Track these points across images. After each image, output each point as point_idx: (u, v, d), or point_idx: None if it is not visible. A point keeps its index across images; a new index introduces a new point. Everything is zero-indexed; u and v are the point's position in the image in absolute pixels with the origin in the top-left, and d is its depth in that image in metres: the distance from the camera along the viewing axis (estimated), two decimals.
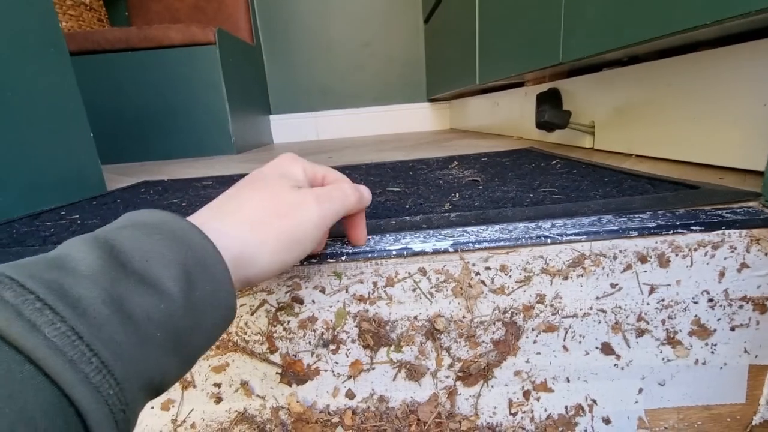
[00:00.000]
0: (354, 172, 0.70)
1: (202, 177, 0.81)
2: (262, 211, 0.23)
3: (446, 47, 1.43)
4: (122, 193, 0.68)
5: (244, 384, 0.33)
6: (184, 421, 0.34)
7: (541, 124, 0.78)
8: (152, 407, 0.33)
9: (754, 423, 0.34)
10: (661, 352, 0.33)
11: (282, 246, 0.23)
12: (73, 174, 0.65)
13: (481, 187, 0.50)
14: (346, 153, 1.13)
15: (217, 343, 0.32)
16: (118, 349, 0.14)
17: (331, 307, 0.32)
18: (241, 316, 0.32)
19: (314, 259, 0.31)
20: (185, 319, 0.17)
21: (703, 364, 0.33)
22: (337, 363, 0.33)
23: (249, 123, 1.56)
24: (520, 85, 1.07)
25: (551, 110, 0.75)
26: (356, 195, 0.27)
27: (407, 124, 1.93)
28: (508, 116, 1.18)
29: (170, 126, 1.34)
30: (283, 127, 1.91)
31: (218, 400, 0.33)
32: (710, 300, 0.32)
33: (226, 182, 0.71)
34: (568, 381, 0.33)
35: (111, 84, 1.29)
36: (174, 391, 0.33)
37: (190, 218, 0.22)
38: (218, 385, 0.33)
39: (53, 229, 0.45)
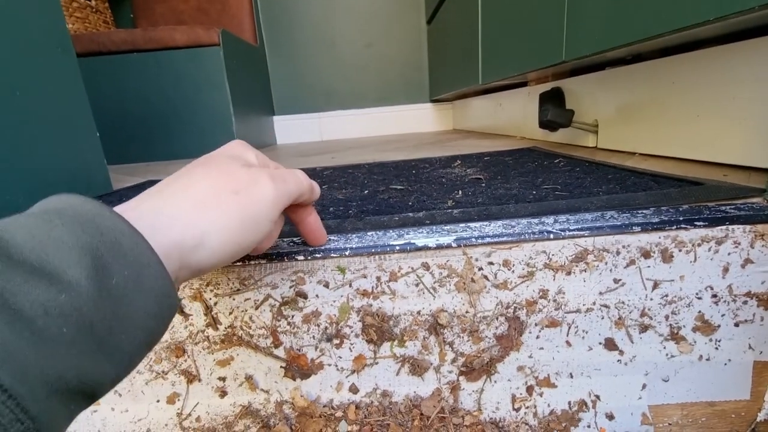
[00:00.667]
0: (357, 171, 0.70)
1: None
2: (212, 189, 0.21)
3: (449, 48, 1.43)
4: (128, 192, 0.68)
5: (249, 378, 0.33)
6: (190, 414, 0.34)
7: (544, 124, 0.78)
8: (158, 401, 0.34)
9: (758, 419, 0.34)
10: (664, 347, 0.33)
11: (235, 225, 0.21)
12: (80, 173, 0.66)
13: (483, 184, 0.50)
14: (349, 153, 1.13)
15: (222, 337, 0.32)
16: (2, 354, 0.12)
17: (334, 301, 0.32)
18: (246, 311, 0.32)
19: (318, 254, 0.31)
20: (101, 309, 0.15)
21: (707, 360, 0.33)
22: (340, 357, 0.33)
23: (252, 124, 1.57)
24: (523, 85, 1.07)
25: (554, 109, 0.75)
26: (307, 182, 0.27)
27: (410, 125, 1.93)
28: (511, 116, 1.18)
29: (174, 126, 1.35)
30: (287, 127, 1.91)
31: (223, 394, 0.34)
32: (714, 296, 0.32)
33: None
34: (572, 376, 0.33)
35: (116, 85, 1.30)
36: (179, 385, 0.33)
37: (125, 203, 0.20)
38: (223, 379, 0.33)
39: None
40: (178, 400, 0.34)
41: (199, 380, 0.33)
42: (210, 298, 0.32)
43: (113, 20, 1.70)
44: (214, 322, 0.32)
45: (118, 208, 0.19)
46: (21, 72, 0.56)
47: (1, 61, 0.53)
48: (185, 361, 0.33)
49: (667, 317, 0.32)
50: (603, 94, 0.71)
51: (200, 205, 0.20)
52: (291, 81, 1.87)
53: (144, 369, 0.33)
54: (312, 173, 0.73)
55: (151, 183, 0.76)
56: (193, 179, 0.22)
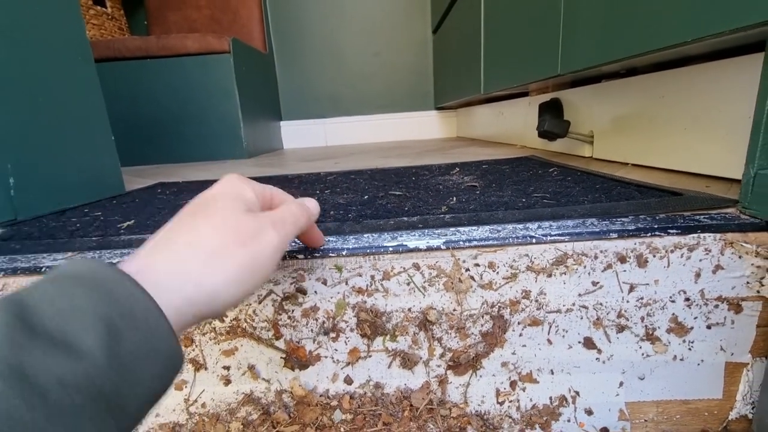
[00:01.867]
0: (359, 177, 0.73)
1: (215, 179, 0.84)
2: (220, 240, 0.22)
3: (453, 57, 1.46)
4: (140, 193, 0.72)
5: (251, 368, 0.36)
6: (196, 400, 0.36)
7: (542, 133, 0.81)
8: None
9: (730, 418, 0.36)
10: (640, 347, 0.35)
11: (244, 276, 0.22)
12: (96, 175, 0.69)
13: (478, 192, 0.52)
14: (352, 159, 1.16)
15: (227, 328, 0.35)
16: (16, 427, 0.13)
17: (332, 297, 0.35)
18: (250, 305, 0.35)
19: (317, 253, 0.34)
20: (111, 376, 0.16)
21: (681, 360, 0.35)
22: (336, 350, 0.35)
23: (260, 129, 1.61)
24: (525, 95, 1.10)
25: (551, 120, 0.78)
26: (305, 214, 0.28)
27: (415, 132, 1.97)
28: (512, 125, 1.21)
29: (184, 131, 1.40)
30: (293, 132, 1.95)
31: (227, 382, 0.36)
32: (687, 299, 0.34)
33: None
34: (552, 373, 0.36)
35: (129, 90, 1.35)
36: (187, 373, 0.36)
37: (131, 258, 0.21)
38: (227, 368, 0.36)
39: (78, 225, 0.49)
40: (186, 386, 0.36)
41: (206, 368, 0.36)
42: None
43: (128, 27, 1.75)
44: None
45: (131, 263, 0.20)
46: (44, 78, 0.60)
47: (26, 68, 0.57)
48: (193, 350, 0.36)
49: (642, 318, 0.34)
50: (598, 105, 0.74)
51: (210, 261, 0.21)
52: (298, 88, 1.91)
53: None
54: (316, 178, 0.76)
55: (162, 186, 0.79)
56: (201, 233, 0.22)
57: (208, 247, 0.21)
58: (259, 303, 0.35)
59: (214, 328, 0.35)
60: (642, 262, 0.33)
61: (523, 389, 0.36)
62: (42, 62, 0.59)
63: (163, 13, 1.68)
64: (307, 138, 1.96)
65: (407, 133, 1.96)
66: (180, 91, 1.36)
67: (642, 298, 0.34)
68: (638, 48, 0.47)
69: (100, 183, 0.70)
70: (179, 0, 1.67)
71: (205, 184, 0.77)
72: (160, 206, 0.58)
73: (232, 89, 1.36)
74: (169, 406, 0.37)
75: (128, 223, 0.48)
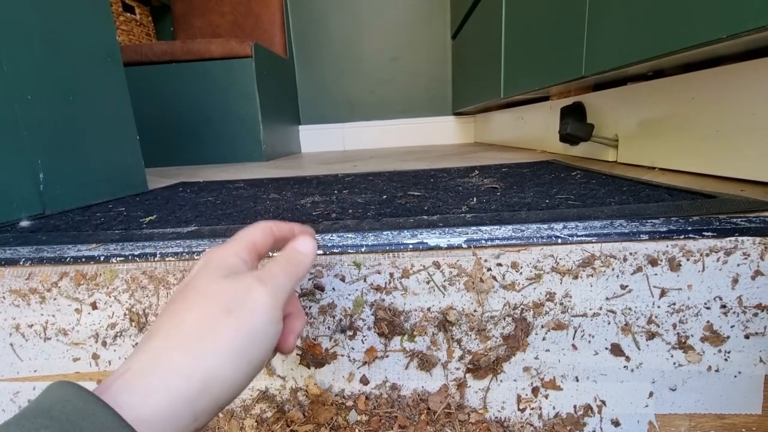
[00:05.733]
0: (377, 179, 0.73)
1: (234, 180, 0.86)
2: (201, 316, 0.19)
3: (472, 62, 1.46)
4: (162, 191, 0.73)
5: (267, 364, 0.35)
6: None
7: (564, 137, 0.79)
8: None
9: None
10: (672, 356, 0.33)
11: (241, 345, 0.19)
12: (120, 172, 0.71)
13: (498, 193, 0.51)
14: (370, 162, 1.16)
15: None
16: None
17: (349, 295, 0.34)
18: None
19: (336, 249, 0.33)
20: None
21: (716, 371, 0.33)
22: (353, 349, 0.35)
23: (279, 132, 1.63)
24: (545, 99, 1.08)
25: (574, 123, 0.76)
26: (302, 262, 0.24)
27: (432, 137, 1.96)
28: (532, 130, 1.19)
29: (205, 133, 1.42)
30: (311, 137, 1.97)
31: None
32: (723, 306, 0.32)
33: (256, 185, 0.75)
34: (577, 380, 0.34)
35: (155, 93, 1.38)
36: None
37: (116, 372, 0.18)
38: None
39: (103, 219, 0.50)
40: None
41: None
42: None
43: (155, 33, 1.81)
44: None
45: (112, 381, 0.18)
46: (76, 79, 0.62)
47: (61, 69, 0.59)
48: None
49: (674, 325, 0.33)
50: (624, 109, 0.72)
51: (195, 343, 0.19)
52: (317, 92, 1.93)
53: None
54: (334, 179, 0.76)
55: (183, 185, 0.81)
56: (181, 316, 0.20)
57: (190, 327, 0.19)
58: None
59: None
60: (674, 265, 0.32)
61: (546, 396, 0.34)
62: (75, 64, 0.61)
63: (189, 19, 1.72)
64: (325, 142, 1.98)
65: (425, 138, 1.96)
66: (203, 95, 1.39)
67: (674, 304, 0.32)
68: (669, 46, 0.46)
69: (125, 180, 0.72)
70: (204, 6, 1.71)
71: (225, 184, 0.78)
72: (181, 203, 0.58)
73: (253, 93, 1.38)
74: None
75: (150, 218, 0.49)
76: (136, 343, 0.36)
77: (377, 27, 1.85)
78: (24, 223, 0.48)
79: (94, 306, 0.35)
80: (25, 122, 0.53)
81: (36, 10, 0.55)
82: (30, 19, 0.54)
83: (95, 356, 0.36)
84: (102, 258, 0.35)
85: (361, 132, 1.97)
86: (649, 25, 0.50)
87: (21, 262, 0.35)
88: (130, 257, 0.35)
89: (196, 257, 0.34)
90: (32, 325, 0.36)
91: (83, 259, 0.35)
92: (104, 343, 0.36)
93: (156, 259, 0.35)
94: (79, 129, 0.62)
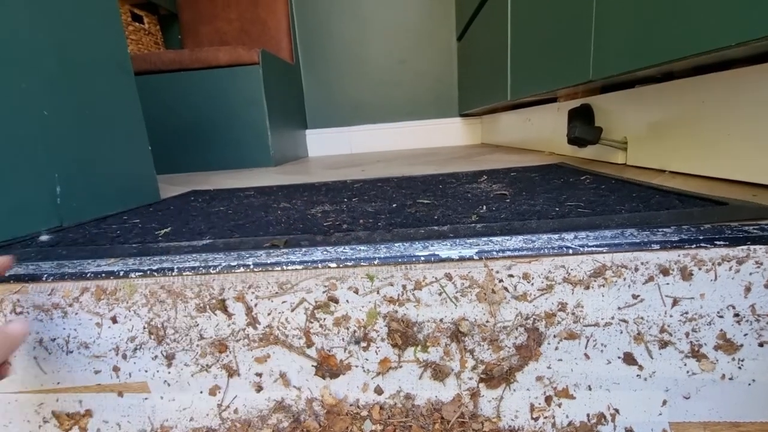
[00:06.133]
0: (386, 185, 0.73)
1: (244, 187, 0.87)
2: None
3: (478, 64, 1.46)
4: (174, 201, 0.74)
5: (283, 375, 0.36)
6: (228, 406, 0.37)
7: (572, 140, 0.79)
8: (201, 392, 0.37)
9: None
10: (685, 364, 0.33)
11: None
12: (133, 183, 0.72)
13: (508, 200, 0.52)
14: (378, 166, 1.17)
15: (260, 336, 0.35)
16: None
17: (363, 307, 0.35)
18: (282, 312, 0.35)
19: (350, 262, 0.34)
20: None
21: (730, 379, 0.33)
22: (367, 360, 0.35)
23: (286, 137, 1.64)
24: (553, 100, 1.08)
25: (582, 126, 0.76)
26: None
27: (439, 139, 1.96)
28: (539, 132, 1.19)
29: (214, 140, 1.44)
30: (318, 141, 1.98)
31: (259, 388, 0.37)
32: (736, 315, 0.32)
33: (265, 192, 0.76)
34: (590, 389, 0.34)
35: (163, 101, 1.40)
36: (221, 378, 0.37)
37: None
38: (259, 375, 0.36)
39: (118, 231, 0.51)
40: (219, 392, 0.37)
41: (239, 375, 0.37)
42: (251, 300, 0.35)
43: (163, 41, 1.83)
44: (254, 322, 0.35)
45: None
46: (89, 91, 0.63)
47: (74, 82, 0.60)
48: (227, 356, 0.36)
49: (687, 334, 0.33)
50: (632, 111, 0.71)
51: None
52: (324, 97, 1.94)
53: (191, 362, 0.37)
54: (343, 186, 0.76)
55: (195, 193, 0.82)
56: None
57: None
58: (292, 311, 0.35)
59: (248, 335, 0.36)
60: (686, 274, 0.32)
61: (559, 405, 0.35)
62: (88, 78, 0.63)
63: (196, 26, 1.74)
64: (332, 146, 1.99)
65: (432, 140, 1.96)
66: (211, 102, 1.41)
67: (686, 313, 0.33)
68: (678, 52, 0.46)
69: (138, 191, 0.73)
70: (211, 14, 1.73)
71: (235, 192, 0.79)
72: (194, 213, 0.60)
73: (261, 99, 1.40)
74: (203, 411, 0.37)
75: (165, 230, 0.50)
76: (155, 356, 0.37)
77: (382, 30, 1.86)
78: (43, 237, 0.49)
79: (114, 320, 0.36)
80: (42, 137, 0.55)
81: (51, 27, 0.57)
82: (46, 37, 0.56)
83: (116, 368, 0.37)
84: (121, 273, 0.36)
85: (367, 135, 1.97)
86: (657, 30, 0.50)
87: (44, 278, 0.37)
88: (148, 272, 0.36)
89: (212, 271, 0.35)
90: (55, 339, 0.37)
91: (103, 275, 0.36)
92: (124, 356, 0.37)
93: (174, 274, 0.35)
94: (93, 141, 0.63)
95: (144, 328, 0.36)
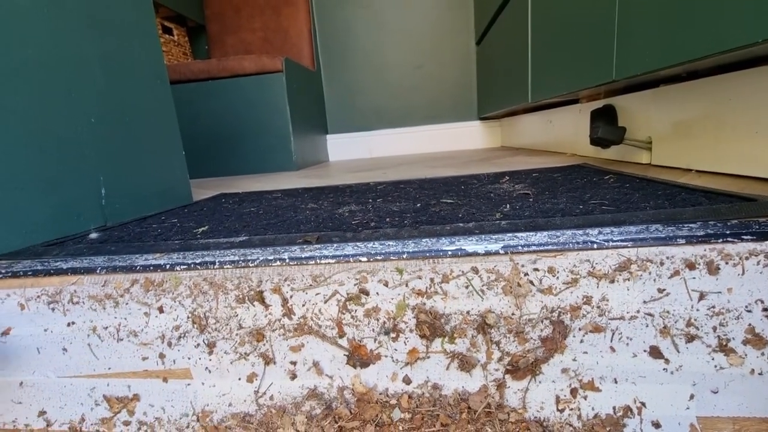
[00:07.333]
0: (408, 186, 0.75)
1: (271, 190, 0.90)
2: None
3: (498, 67, 1.46)
4: (206, 203, 0.78)
5: (316, 364, 0.38)
6: (264, 393, 0.39)
7: (595, 141, 0.79)
8: (239, 378, 0.39)
9: None
10: (713, 359, 0.33)
11: None
12: (169, 186, 0.76)
13: (531, 199, 0.52)
14: (399, 169, 1.18)
15: (295, 326, 0.37)
16: None
17: (392, 299, 0.36)
18: (316, 304, 0.37)
19: (380, 256, 0.36)
20: None
21: (760, 374, 0.33)
22: (396, 350, 0.37)
23: (308, 142, 1.68)
24: (575, 101, 1.07)
25: (605, 127, 0.76)
26: None
27: (458, 142, 1.97)
28: (561, 133, 1.18)
29: (240, 145, 1.49)
30: (339, 145, 2.02)
31: (293, 376, 0.39)
32: (765, 309, 0.32)
33: (292, 195, 0.79)
34: (616, 382, 0.35)
35: (192, 109, 1.46)
36: (258, 366, 0.39)
37: None
38: (294, 363, 0.38)
39: (159, 230, 0.54)
40: (256, 379, 0.39)
41: (274, 363, 0.39)
42: (287, 292, 0.37)
43: (191, 51, 1.91)
44: (289, 313, 0.37)
45: None
46: (131, 101, 0.67)
47: (118, 94, 0.65)
48: (264, 345, 0.38)
49: (714, 328, 0.33)
50: (657, 111, 0.71)
51: None
52: (344, 102, 1.98)
53: (230, 350, 0.39)
54: (366, 188, 0.79)
55: (224, 196, 0.86)
56: None
57: None
58: (325, 302, 0.37)
59: (283, 325, 0.38)
60: (713, 269, 0.32)
61: (585, 397, 0.35)
62: (130, 87, 0.67)
63: (222, 37, 1.81)
64: (352, 150, 2.02)
65: (451, 143, 1.97)
66: (236, 109, 1.46)
67: (713, 307, 0.33)
68: (705, 50, 0.46)
69: (173, 193, 0.77)
70: (236, 25, 1.80)
71: (263, 194, 0.83)
72: (226, 214, 0.63)
73: (284, 106, 1.44)
74: (241, 397, 0.40)
75: (202, 228, 0.53)
76: (198, 344, 0.39)
77: (401, 36, 1.88)
78: (93, 235, 0.53)
79: (161, 310, 0.39)
80: (89, 143, 0.59)
81: (98, 42, 0.61)
82: (93, 50, 0.60)
83: (161, 356, 0.40)
84: (168, 266, 0.39)
85: (387, 139, 2.00)
86: (683, 28, 0.50)
87: (97, 271, 0.40)
88: (192, 265, 0.38)
89: (251, 265, 0.37)
90: (107, 327, 0.40)
91: (151, 268, 0.39)
92: (170, 344, 0.40)
93: (215, 267, 0.38)
94: (134, 146, 0.68)
95: (188, 317, 0.39)
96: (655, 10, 0.55)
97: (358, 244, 0.39)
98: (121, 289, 0.39)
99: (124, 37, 0.67)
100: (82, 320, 0.40)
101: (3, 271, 0.41)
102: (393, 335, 0.37)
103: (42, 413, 0.42)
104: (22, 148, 0.49)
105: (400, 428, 0.37)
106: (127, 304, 0.39)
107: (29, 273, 0.40)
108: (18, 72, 0.49)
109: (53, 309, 0.40)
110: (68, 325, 0.40)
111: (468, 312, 0.36)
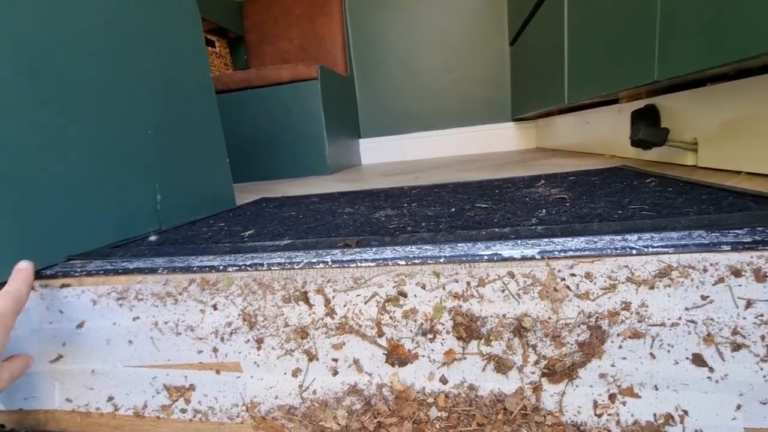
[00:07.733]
0: (442, 191, 0.76)
1: (308, 194, 0.94)
2: None
3: (533, 68, 1.44)
4: (249, 207, 0.82)
5: (356, 361, 0.40)
6: (308, 387, 0.42)
7: (636, 142, 0.77)
8: (285, 373, 0.42)
9: None
10: (761, 369, 0.33)
11: None
12: (215, 191, 0.81)
13: (568, 204, 0.52)
14: (431, 173, 1.19)
15: (337, 325, 0.40)
16: None
17: (430, 301, 0.38)
18: (357, 304, 0.39)
19: (418, 260, 0.37)
20: None
21: None
22: (433, 350, 0.38)
23: (342, 147, 1.72)
24: (613, 102, 1.04)
25: (646, 128, 0.74)
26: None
27: (492, 144, 1.95)
28: (599, 134, 1.15)
29: (276, 151, 1.55)
30: (371, 149, 2.05)
31: (335, 372, 0.41)
32: None
33: (328, 199, 0.82)
34: (656, 389, 0.35)
35: (233, 117, 1.54)
36: (302, 362, 0.41)
37: None
38: (335, 360, 0.41)
39: (209, 233, 0.59)
40: (300, 374, 0.42)
41: (317, 359, 0.41)
42: (329, 293, 0.39)
43: (231, 62, 2.00)
44: (331, 312, 0.40)
45: None
46: (182, 111, 0.72)
47: (172, 106, 0.70)
48: (307, 342, 0.41)
49: (763, 337, 0.32)
50: (702, 111, 0.68)
51: None
52: (376, 106, 2.01)
53: (277, 346, 0.42)
54: (400, 192, 0.80)
55: (266, 200, 0.90)
56: None
57: None
58: (365, 303, 0.39)
59: (326, 324, 0.40)
60: (761, 276, 0.32)
61: (624, 403, 0.35)
62: (182, 99, 0.72)
63: (261, 47, 1.89)
64: (385, 153, 2.05)
65: (484, 145, 1.95)
66: (274, 116, 1.52)
67: (761, 315, 0.32)
68: (757, 48, 0.44)
69: (219, 198, 0.82)
70: (274, 35, 1.87)
71: (301, 199, 0.86)
72: (269, 218, 0.66)
73: (319, 112, 1.49)
74: (286, 390, 0.42)
75: (249, 232, 0.56)
76: (248, 340, 0.42)
77: (433, 39, 1.89)
78: (152, 238, 0.57)
79: (215, 307, 0.42)
80: (148, 152, 0.64)
81: (155, 58, 0.66)
82: (151, 66, 0.66)
83: (215, 349, 0.43)
84: (221, 267, 0.42)
85: (419, 142, 2.01)
86: (732, 25, 0.48)
87: (159, 271, 0.44)
88: (242, 267, 0.41)
89: (296, 267, 0.40)
90: (167, 322, 0.44)
91: (206, 269, 0.42)
92: (222, 339, 0.43)
93: (263, 269, 0.41)
94: (184, 154, 0.73)
95: (239, 315, 0.42)
96: (699, 7, 0.53)
97: (396, 248, 0.41)
98: (180, 288, 0.43)
99: (177, 53, 0.72)
100: (145, 315, 0.44)
101: (78, 270, 0.46)
102: (430, 336, 0.38)
103: (110, 399, 0.47)
104: (95, 160, 0.55)
105: (437, 426, 0.39)
106: (185, 301, 0.43)
107: (101, 272, 0.45)
108: (95, 89, 0.55)
109: (121, 305, 0.45)
110: (133, 319, 0.45)
111: (504, 315, 0.36)
